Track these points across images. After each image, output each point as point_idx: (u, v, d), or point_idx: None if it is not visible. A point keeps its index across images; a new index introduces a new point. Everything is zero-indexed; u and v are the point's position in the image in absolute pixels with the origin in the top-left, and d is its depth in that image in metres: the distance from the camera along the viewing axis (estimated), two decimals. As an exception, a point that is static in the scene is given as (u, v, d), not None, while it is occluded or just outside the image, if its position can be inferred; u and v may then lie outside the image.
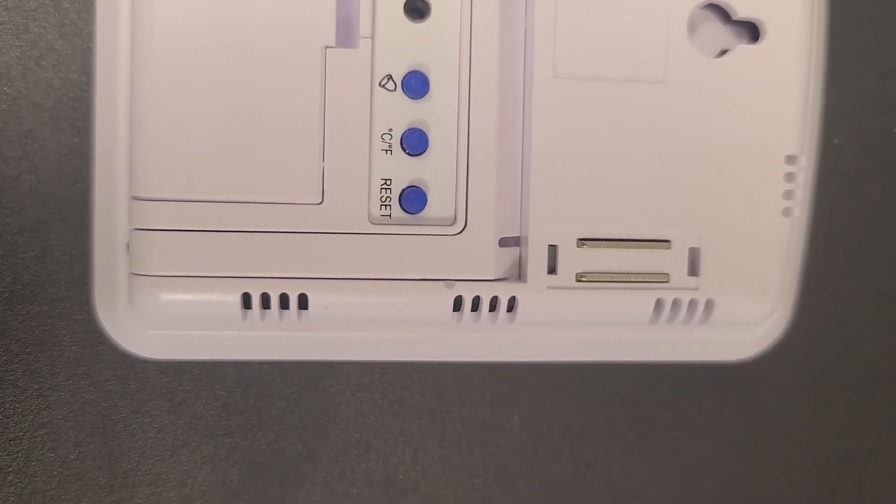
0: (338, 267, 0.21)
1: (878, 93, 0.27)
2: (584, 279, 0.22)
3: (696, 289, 0.23)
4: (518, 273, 0.22)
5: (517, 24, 0.22)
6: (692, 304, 0.23)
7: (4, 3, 0.23)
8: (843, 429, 0.27)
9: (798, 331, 0.26)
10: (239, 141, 0.21)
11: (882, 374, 0.27)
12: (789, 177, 0.23)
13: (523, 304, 0.22)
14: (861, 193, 0.27)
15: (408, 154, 0.22)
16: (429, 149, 0.22)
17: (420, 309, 0.22)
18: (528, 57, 0.22)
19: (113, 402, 0.24)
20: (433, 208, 0.22)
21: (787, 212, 0.23)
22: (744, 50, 0.23)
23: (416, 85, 0.22)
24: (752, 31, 0.23)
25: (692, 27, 0.23)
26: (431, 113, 0.22)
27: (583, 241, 0.22)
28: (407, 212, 0.22)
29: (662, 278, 0.23)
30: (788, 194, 0.23)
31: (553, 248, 0.22)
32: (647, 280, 0.23)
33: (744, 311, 0.23)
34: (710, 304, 0.23)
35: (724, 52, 0.23)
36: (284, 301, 0.22)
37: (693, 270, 0.23)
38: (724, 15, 0.23)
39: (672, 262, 0.23)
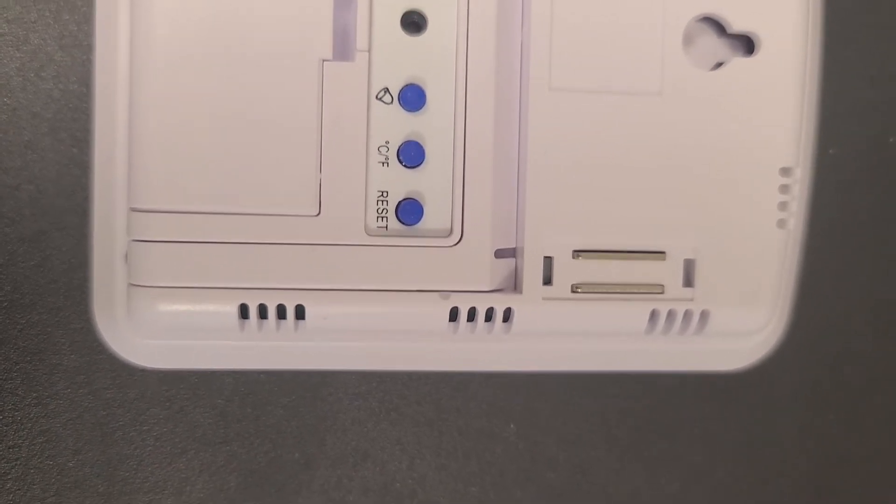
0: (335, 278, 0.22)
1: (874, 102, 0.27)
2: (579, 290, 0.22)
3: (692, 300, 0.23)
4: (514, 284, 0.23)
5: (513, 37, 0.22)
6: (687, 314, 0.23)
7: (5, 15, 0.23)
8: (838, 438, 0.27)
9: (793, 341, 0.26)
10: (236, 153, 0.21)
11: (876, 383, 0.27)
12: (784, 189, 0.23)
13: (519, 315, 0.22)
14: (856, 203, 0.27)
15: (404, 166, 0.22)
16: (425, 161, 0.22)
17: (416, 320, 0.22)
18: (523, 70, 0.22)
19: (111, 410, 0.24)
20: (429, 220, 0.22)
21: (781, 223, 0.23)
22: (739, 63, 0.23)
23: (412, 98, 0.22)
24: (746, 45, 0.23)
25: (687, 40, 0.23)
26: (428, 125, 0.22)
27: (578, 253, 0.22)
28: (403, 223, 0.22)
29: (657, 289, 0.23)
30: (783, 206, 0.23)
31: (548, 260, 0.22)
32: (642, 291, 0.23)
33: (739, 321, 0.24)
34: (705, 315, 0.23)
35: (719, 64, 0.23)
36: (282, 312, 0.22)
37: (688, 282, 0.23)
38: (719, 28, 0.23)
39: (667, 273, 0.23)
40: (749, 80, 0.23)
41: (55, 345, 0.24)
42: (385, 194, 0.22)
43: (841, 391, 0.27)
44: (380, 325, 0.22)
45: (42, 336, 0.24)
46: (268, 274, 0.21)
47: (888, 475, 0.28)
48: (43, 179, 0.24)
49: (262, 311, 0.22)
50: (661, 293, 0.23)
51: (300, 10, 0.21)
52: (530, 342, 0.24)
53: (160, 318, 0.21)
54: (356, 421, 0.25)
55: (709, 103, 0.23)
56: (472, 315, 0.22)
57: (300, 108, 0.21)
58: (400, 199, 0.22)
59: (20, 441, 0.24)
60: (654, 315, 0.23)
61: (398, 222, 0.22)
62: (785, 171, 0.23)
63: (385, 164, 0.22)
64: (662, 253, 0.23)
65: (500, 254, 0.22)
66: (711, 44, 0.23)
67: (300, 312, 0.22)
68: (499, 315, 0.22)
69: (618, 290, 0.23)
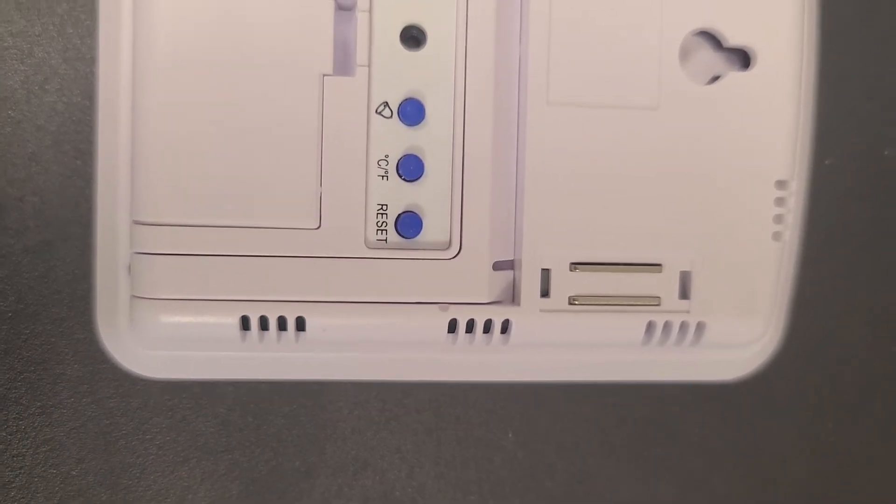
0: (335, 290, 0.22)
1: (870, 114, 0.27)
2: (576, 302, 0.23)
3: (688, 311, 0.23)
4: (512, 296, 0.23)
5: (511, 52, 0.22)
6: (683, 326, 0.23)
7: (10, 29, 0.23)
8: (834, 446, 0.27)
9: (789, 351, 0.26)
10: (238, 167, 0.21)
11: (872, 392, 0.28)
12: (780, 201, 0.24)
13: (517, 327, 0.23)
14: (852, 213, 0.27)
15: (404, 180, 0.22)
16: (424, 175, 0.22)
17: (415, 331, 0.22)
18: (522, 84, 0.22)
19: (114, 419, 0.25)
20: (428, 233, 0.22)
21: (777, 236, 0.24)
22: (735, 77, 0.23)
23: (411, 112, 0.22)
24: (743, 59, 0.24)
25: (684, 54, 0.23)
26: (427, 139, 0.22)
27: (575, 265, 0.23)
28: (403, 236, 0.22)
29: (654, 301, 0.23)
30: (779, 219, 0.24)
31: (546, 272, 0.23)
32: (638, 303, 0.23)
33: (734, 332, 0.24)
34: (701, 327, 0.23)
35: (715, 78, 0.23)
36: (282, 323, 0.22)
37: (684, 293, 0.23)
38: (715, 42, 0.24)
39: (663, 285, 0.23)
40: (745, 93, 0.23)
41: (59, 355, 0.24)
42: (385, 207, 0.22)
43: (837, 400, 0.27)
44: (379, 336, 0.22)
45: (46, 346, 0.24)
46: (269, 286, 0.22)
47: (884, 483, 0.28)
48: (47, 191, 0.24)
49: (263, 323, 0.22)
50: (658, 305, 0.23)
51: (301, 25, 0.21)
52: (528, 353, 0.24)
53: (163, 329, 0.22)
54: (356, 430, 0.25)
55: (705, 117, 0.23)
56: (470, 327, 0.23)
57: (301, 122, 0.21)
58: (399, 212, 0.22)
59: (24, 450, 0.24)
60: (650, 326, 0.23)
61: (398, 235, 0.22)
62: (780, 184, 0.24)
63: (385, 178, 0.22)
64: (659, 265, 0.23)
65: (498, 266, 0.23)
66: (708, 58, 0.24)
67: (301, 324, 0.22)
68: (497, 327, 0.23)
69: (615, 302, 0.23)
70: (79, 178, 0.24)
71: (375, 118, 0.22)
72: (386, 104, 0.22)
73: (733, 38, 0.23)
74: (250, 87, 0.21)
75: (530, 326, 0.23)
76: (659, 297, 0.23)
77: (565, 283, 0.23)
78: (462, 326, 0.22)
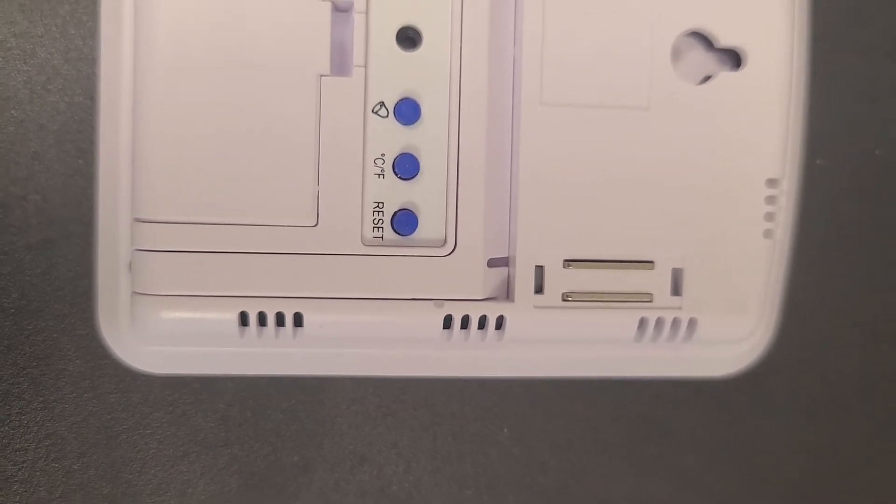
0: (332, 287, 0.22)
1: (861, 115, 0.27)
2: (570, 299, 0.23)
3: (680, 308, 0.24)
4: (506, 293, 0.23)
5: (506, 52, 0.23)
6: (675, 322, 0.24)
7: (13, 30, 0.24)
8: (825, 442, 0.28)
9: (781, 347, 0.27)
10: (237, 165, 0.22)
11: (863, 389, 0.28)
12: (770, 199, 0.24)
13: (511, 323, 0.23)
14: (844, 212, 0.27)
15: (399, 178, 0.23)
16: (420, 173, 0.23)
17: (411, 327, 0.23)
18: (516, 84, 0.23)
19: (115, 414, 0.25)
20: (424, 230, 0.23)
21: (768, 233, 0.24)
22: (726, 76, 0.24)
23: (407, 111, 0.22)
24: (734, 59, 0.24)
25: (676, 54, 0.24)
26: (422, 138, 0.23)
27: (569, 262, 0.23)
28: (399, 234, 0.23)
29: (646, 298, 0.23)
30: (770, 216, 0.24)
31: (540, 269, 0.23)
32: (631, 300, 0.23)
33: (726, 329, 0.24)
34: (692, 323, 0.24)
35: (707, 78, 0.24)
36: (280, 319, 0.22)
37: (676, 290, 0.24)
38: (707, 42, 0.24)
39: (656, 282, 0.23)
40: (736, 93, 0.24)
41: (61, 350, 0.25)
42: (381, 205, 0.23)
43: (829, 397, 0.28)
44: (376, 332, 0.23)
45: (48, 342, 0.24)
46: (267, 283, 0.22)
47: (877, 480, 0.28)
48: (49, 189, 0.24)
49: (262, 319, 0.22)
50: (650, 301, 0.23)
51: (298, 26, 0.22)
52: (523, 349, 0.24)
53: (163, 325, 0.22)
54: (353, 425, 0.26)
55: (696, 116, 0.23)
56: (465, 323, 0.23)
57: (298, 122, 0.22)
58: (395, 209, 0.23)
59: (27, 444, 0.25)
60: (642, 323, 0.24)
61: (393, 233, 0.23)
62: (771, 183, 0.24)
63: (381, 176, 0.22)
64: (651, 262, 0.23)
65: (492, 263, 0.23)
66: (699, 58, 0.24)
67: (299, 320, 0.22)
68: (491, 323, 0.23)
69: (607, 299, 0.23)
70: (80, 176, 0.24)
71: (372, 118, 0.22)
72: (382, 104, 0.22)
73: (724, 39, 0.24)
74: (249, 87, 0.22)
75: (524, 323, 0.23)
76: (651, 294, 0.23)
77: (559, 280, 0.23)
78: (457, 322, 0.23)
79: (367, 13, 0.22)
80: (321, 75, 0.22)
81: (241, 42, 0.22)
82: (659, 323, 0.24)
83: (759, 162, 0.24)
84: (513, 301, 0.23)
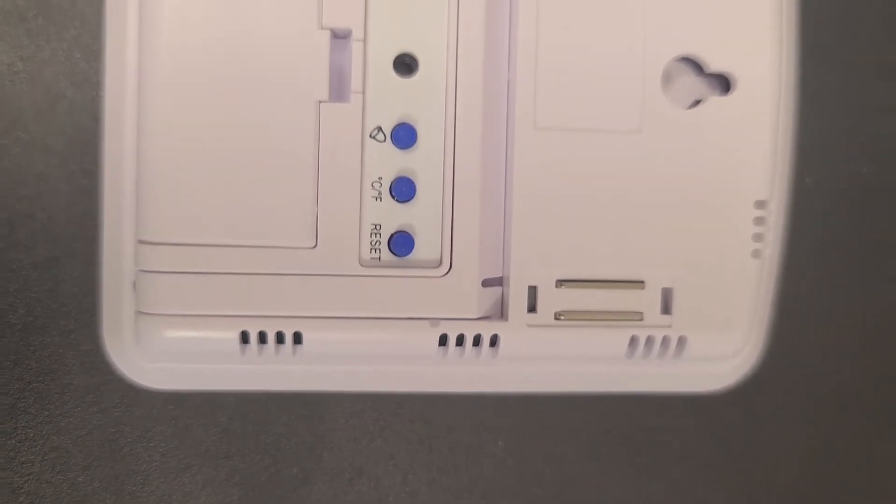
0: (331, 307, 0.23)
1: (849, 134, 0.28)
2: (562, 318, 0.24)
3: (669, 326, 0.24)
4: (500, 311, 0.24)
5: (500, 78, 0.23)
6: (665, 340, 0.24)
7: (20, 54, 0.24)
8: (814, 455, 0.28)
9: (770, 362, 0.27)
10: (238, 189, 0.22)
11: (851, 402, 0.28)
12: (759, 220, 0.25)
13: (505, 341, 0.24)
14: (833, 229, 0.28)
15: (396, 201, 0.23)
16: (416, 196, 0.23)
17: (408, 345, 0.23)
18: (510, 109, 0.23)
19: (119, 427, 0.26)
20: (420, 251, 0.23)
21: (756, 253, 0.25)
22: (716, 101, 0.24)
23: (404, 136, 0.23)
24: (723, 84, 0.25)
25: (667, 79, 0.24)
26: (419, 162, 0.23)
27: (561, 282, 0.24)
28: (395, 255, 0.23)
29: (637, 317, 0.24)
30: (758, 237, 0.25)
31: (533, 289, 0.24)
32: (622, 318, 0.24)
33: (715, 346, 0.25)
34: (682, 341, 0.24)
35: (697, 102, 0.24)
36: (280, 338, 0.23)
37: (666, 309, 0.24)
38: (697, 67, 0.24)
39: (646, 301, 0.24)
40: (725, 117, 0.24)
41: (66, 366, 0.25)
42: (378, 227, 0.23)
43: (817, 410, 0.28)
44: (373, 350, 0.23)
45: (54, 357, 0.25)
46: (267, 303, 0.23)
47: (866, 490, 0.29)
48: (54, 209, 0.25)
49: (262, 337, 0.23)
50: (641, 320, 0.24)
51: (298, 54, 0.22)
52: (516, 366, 0.25)
53: (167, 343, 0.23)
54: (351, 438, 0.26)
55: (686, 140, 0.24)
56: (460, 341, 0.24)
57: (298, 147, 0.22)
58: (392, 231, 0.23)
59: (33, 457, 0.25)
60: (633, 341, 0.24)
61: (390, 254, 0.23)
62: (760, 204, 0.24)
63: (378, 199, 0.23)
64: (641, 282, 0.24)
65: (487, 283, 0.24)
66: (690, 82, 0.25)
67: (298, 338, 0.23)
68: (486, 341, 0.24)
69: (599, 318, 0.24)
70: (85, 196, 0.25)
71: (369, 142, 0.23)
72: (379, 129, 0.23)
73: (714, 64, 0.24)
74: (250, 113, 0.22)
75: (518, 341, 0.24)
76: (642, 313, 0.24)
77: (551, 300, 0.24)
78: (452, 341, 0.23)
79: (364, 40, 0.23)
80: (320, 101, 0.22)
81: (243, 68, 0.22)
82: (649, 341, 0.24)
83: (747, 184, 0.24)
84: (507, 320, 0.24)
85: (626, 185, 0.24)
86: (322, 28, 0.22)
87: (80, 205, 0.25)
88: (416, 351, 0.23)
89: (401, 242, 0.23)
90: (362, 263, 0.23)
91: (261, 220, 0.22)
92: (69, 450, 0.25)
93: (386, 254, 0.23)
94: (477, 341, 0.24)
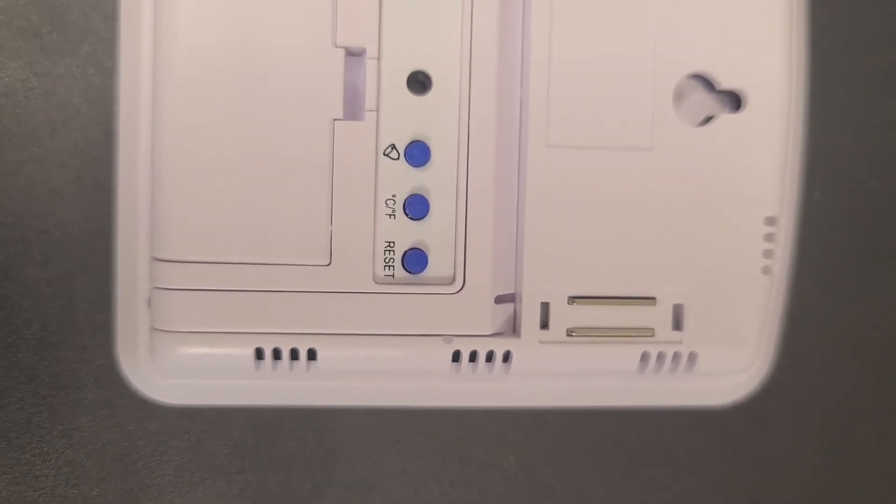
0: (345, 324, 0.23)
1: (857, 149, 0.28)
2: (574, 334, 0.24)
3: (680, 342, 0.24)
4: (513, 328, 0.24)
5: (513, 96, 0.24)
6: (676, 356, 0.24)
7: (34, 70, 0.25)
8: (821, 468, 0.29)
9: (779, 377, 0.27)
10: (252, 206, 0.23)
11: (856, 416, 0.29)
12: (769, 237, 0.25)
13: (517, 358, 0.24)
14: (841, 243, 0.28)
15: (410, 218, 0.23)
16: (429, 213, 0.23)
17: (421, 361, 0.23)
18: (522, 127, 0.24)
19: (133, 442, 0.26)
20: (433, 269, 0.23)
21: (766, 270, 0.25)
22: (726, 118, 0.24)
23: (417, 154, 0.23)
24: (734, 101, 0.25)
25: (678, 97, 0.24)
26: (432, 180, 0.23)
27: (573, 299, 0.24)
28: (409, 272, 0.23)
29: (648, 333, 0.24)
30: (768, 253, 0.25)
31: (545, 305, 0.24)
32: (633, 334, 0.24)
33: (725, 362, 0.25)
34: (693, 357, 0.25)
35: (708, 119, 0.25)
36: (295, 354, 0.23)
37: (677, 325, 0.24)
38: (708, 85, 0.25)
39: (657, 317, 0.24)
40: (736, 134, 0.24)
41: (80, 381, 0.25)
42: (392, 245, 0.23)
43: (824, 424, 0.28)
44: (387, 366, 0.23)
45: (68, 372, 0.25)
46: (282, 320, 0.23)
47: (870, 500, 0.29)
48: (69, 225, 0.25)
49: (277, 354, 0.23)
50: (652, 336, 0.24)
51: (313, 72, 0.22)
52: (528, 381, 0.25)
53: (182, 360, 0.23)
54: (364, 452, 0.27)
55: (697, 157, 0.24)
56: (473, 357, 0.24)
57: (313, 165, 0.23)
58: (406, 249, 0.23)
59: (47, 471, 0.25)
60: (644, 357, 0.24)
61: (404, 271, 0.23)
62: (770, 221, 0.25)
63: (392, 217, 0.23)
64: (653, 298, 0.24)
65: (499, 300, 0.24)
66: (701, 100, 0.25)
67: (312, 354, 0.23)
68: (498, 357, 0.24)
69: (611, 334, 0.24)
70: (99, 212, 0.25)
71: (383, 160, 0.23)
72: (393, 146, 0.23)
73: (725, 82, 0.24)
74: (265, 131, 0.22)
75: (530, 357, 0.24)
76: (653, 329, 0.24)
77: (564, 316, 0.24)
78: (465, 357, 0.24)
79: (378, 58, 0.23)
80: (335, 119, 0.23)
81: (258, 87, 0.22)
82: (660, 357, 0.24)
83: (758, 201, 0.24)
84: (519, 336, 0.24)
85: (637, 203, 0.24)
86: (336, 46, 0.23)
87: (95, 221, 0.25)
88: (429, 367, 0.24)
89: (414, 260, 0.23)
90: (376, 280, 0.23)
91: (275, 237, 0.23)
92: (83, 464, 0.26)
93: (400, 271, 0.23)
94: (490, 357, 0.24)
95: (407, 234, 0.23)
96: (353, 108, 0.23)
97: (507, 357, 0.24)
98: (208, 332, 0.23)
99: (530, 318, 0.24)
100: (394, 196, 0.23)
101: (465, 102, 0.23)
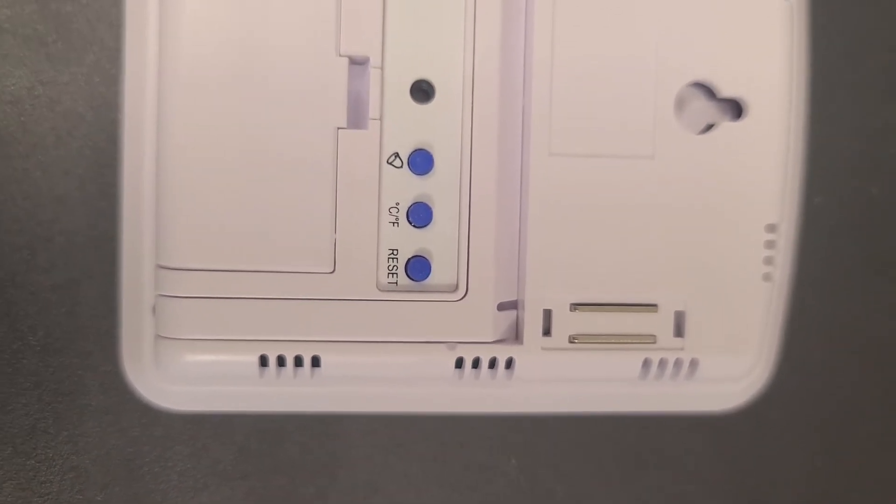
0: (349, 331, 0.23)
1: (858, 155, 0.28)
2: (576, 341, 0.24)
3: (682, 349, 0.25)
4: (515, 335, 0.24)
5: (515, 105, 0.24)
6: (678, 362, 0.25)
7: (40, 78, 0.25)
8: (822, 472, 0.29)
9: (780, 382, 0.28)
10: (257, 215, 0.23)
11: (856, 421, 0.29)
12: (769, 244, 0.25)
13: (520, 364, 0.24)
14: (841, 248, 0.28)
15: (413, 226, 0.23)
16: (433, 221, 0.23)
17: (424, 368, 0.24)
18: (525, 136, 0.24)
19: (137, 447, 0.26)
20: (437, 276, 0.24)
21: (767, 276, 0.25)
22: (727, 126, 0.25)
23: (421, 162, 0.23)
24: (735, 109, 0.25)
25: (679, 104, 0.24)
26: (435, 188, 0.23)
27: (575, 306, 0.24)
28: (412, 279, 0.24)
29: (650, 339, 0.24)
30: (769, 260, 0.25)
31: (548, 312, 0.24)
32: (635, 341, 0.24)
33: (726, 368, 0.25)
34: (694, 363, 0.25)
35: (709, 127, 0.25)
36: (299, 361, 0.23)
37: (679, 332, 0.25)
38: (709, 93, 0.25)
39: (659, 324, 0.24)
40: (737, 142, 0.25)
41: (85, 387, 0.25)
42: (395, 252, 0.23)
43: (825, 428, 0.29)
44: (391, 373, 0.24)
45: (73, 378, 0.25)
46: (286, 327, 0.23)
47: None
48: (73, 232, 0.25)
49: (281, 361, 0.23)
50: (654, 343, 0.24)
51: (317, 81, 0.23)
52: (531, 387, 0.25)
53: (187, 367, 0.23)
54: (366, 456, 0.27)
55: (698, 165, 0.24)
56: (476, 363, 0.24)
57: (316, 173, 0.23)
58: (409, 256, 0.23)
59: (52, 476, 0.26)
60: (646, 363, 0.25)
61: (407, 278, 0.23)
62: (770, 228, 0.25)
63: (395, 224, 0.23)
64: (654, 305, 0.24)
65: (502, 307, 0.24)
66: (702, 108, 0.25)
67: (316, 361, 0.23)
68: (501, 364, 0.24)
69: (612, 341, 0.24)
70: (103, 219, 0.25)
71: (387, 168, 0.23)
72: (397, 155, 0.23)
73: (726, 90, 0.24)
74: (269, 139, 0.23)
75: (533, 364, 0.24)
76: (654, 336, 0.24)
77: (566, 323, 0.24)
78: (468, 363, 0.24)
79: (382, 67, 0.23)
80: (338, 128, 0.23)
81: (262, 95, 0.23)
82: (662, 363, 0.25)
83: (758, 208, 0.25)
84: (522, 343, 0.24)
85: (639, 211, 0.24)
86: (340, 55, 0.23)
87: (99, 228, 0.25)
88: (432, 373, 0.24)
89: (418, 267, 0.23)
90: (380, 288, 0.23)
91: (279, 245, 0.23)
92: (88, 469, 0.26)
93: (403, 278, 0.23)
94: (493, 364, 0.24)
95: (410, 241, 0.23)
96: (356, 117, 0.23)
97: (509, 363, 0.24)
98: (213, 340, 0.23)
99: (533, 324, 0.24)
100: (397, 204, 0.23)
101: (467, 111, 0.23)
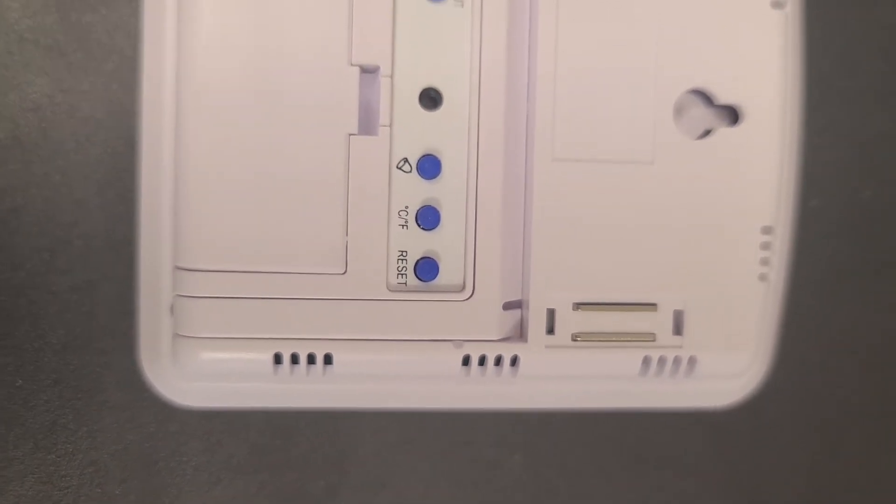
0: (359, 330, 0.24)
1: (852, 159, 0.29)
2: (579, 339, 0.25)
3: (681, 347, 0.25)
4: (520, 333, 0.25)
5: (520, 112, 0.25)
6: (677, 360, 0.25)
7: (60, 87, 0.26)
8: (819, 468, 0.30)
9: (777, 379, 0.28)
10: (272, 218, 0.23)
11: (856, 418, 0.30)
12: (765, 245, 0.26)
13: (524, 362, 0.25)
14: (836, 250, 0.29)
15: (422, 228, 0.24)
16: (441, 224, 0.24)
17: (432, 365, 0.24)
18: (529, 142, 0.25)
19: (154, 443, 0.27)
20: (444, 277, 0.24)
21: (763, 277, 0.26)
22: (725, 131, 0.25)
23: (429, 167, 0.24)
24: (732, 115, 0.26)
25: (678, 111, 0.25)
26: (443, 192, 0.24)
27: (578, 305, 0.25)
28: (421, 280, 0.24)
29: (649, 338, 0.25)
30: (765, 261, 0.26)
31: (551, 312, 0.25)
32: (635, 339, 0.25)
33: (724, 365, 0.26)
34: (693, 360, 0.26)
35: (707, 132, 0.26)
36: (311, 359, 0.24)
37: (678, 330, 0.25)
38: (707, 100, 0.26)
39: (658, 323, 0.25)
40: (734, 147, 0.25)
41: (103, 384, 0.26)
42: (405, 254, 0.24)
43: (821, 425, 0.29)
44: (400, 370, 0.24)
45: (92, 376, 0.26)
46: (299, 326, 0.24)
47: (869, 500, 0.30)
48: (92, 235, 0.26)
49: (295, 359, 0.24)
50: (653, 341, 0.25)
51: (330, 89, 0.23)
52: (535, 384, 0.26)
53: (203, 364, 0.24)
54: (376, 453, 0.28)
55: (697, 169, 0.25)
56: (482, 361, 0.25)
57: (329, 178, 0.24)
58: (418, 257, 0.24)
59: (72, 471, 0.26)
60: (646, 361, 0.25)
61: (416, 279, 0.24)
62: (766, 230, 0.26)
63: (405, 227, 0.24)
64: (654, 305, 0.25)
65: (507, 306, 0.25)
66: (700, 114, 0.26)
67: (328, 359, 0.24)
68: (506, 361, 0.25)
69: (614, 339, 0.25)
70: (121, 222, 0.26)
71: (396, 173, 0.24)
72: (406, 160, 0.24)
73: (723, 97, 0.25)
74: (283, 145, 0.23)
75: (537, 361, 0.25)
76: (654, 334, 0.25)
77: (569, 322, 0.25)
78: (475, 361, 0.25)
79: (392, 76, 0.24)
80: (350, 134, 0.24)
81: (277, 102, 0.23)
82: (661, 361, 0.25)
83: (755, 211, 0.25)
84: (526, 341, 0.25)
85: (639, 213, 0.25)
86: (352, 65, 0.24)
87: (117, 231, 0.26)
88: (440, 371, 0.25)
89: (426, 268, 0.24)
90: (389, 288, 0.24)
91: (293, 247, 0.24)
92: (107, 464, 0.26)
93: (412, 279, 0.24)
94: (498, 361, 0.25)
95: (419, 243, 0.24)
96: (367, 124, 0.24)
97: (514, 361, 0.25)
98: (229, 338, 0.24)
99: (537, 323, 0.25)
100: (406, 207, 0.24)
101: (474, 118, 0.24)
